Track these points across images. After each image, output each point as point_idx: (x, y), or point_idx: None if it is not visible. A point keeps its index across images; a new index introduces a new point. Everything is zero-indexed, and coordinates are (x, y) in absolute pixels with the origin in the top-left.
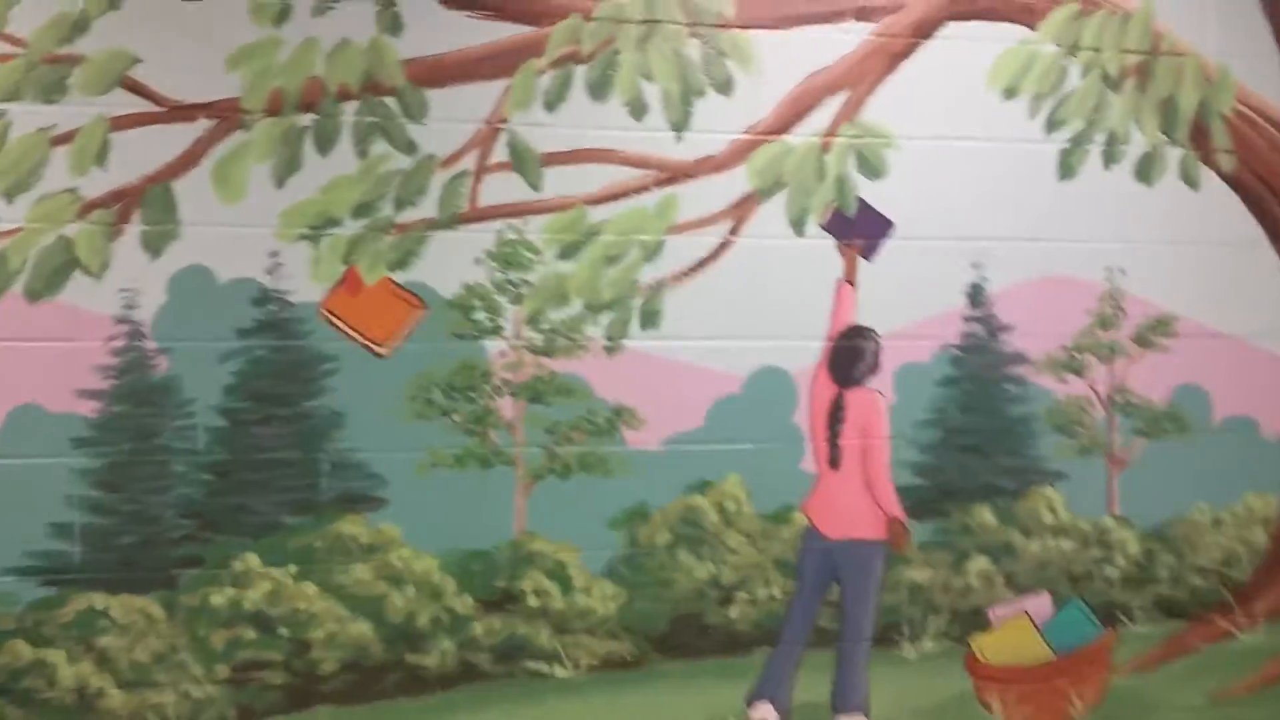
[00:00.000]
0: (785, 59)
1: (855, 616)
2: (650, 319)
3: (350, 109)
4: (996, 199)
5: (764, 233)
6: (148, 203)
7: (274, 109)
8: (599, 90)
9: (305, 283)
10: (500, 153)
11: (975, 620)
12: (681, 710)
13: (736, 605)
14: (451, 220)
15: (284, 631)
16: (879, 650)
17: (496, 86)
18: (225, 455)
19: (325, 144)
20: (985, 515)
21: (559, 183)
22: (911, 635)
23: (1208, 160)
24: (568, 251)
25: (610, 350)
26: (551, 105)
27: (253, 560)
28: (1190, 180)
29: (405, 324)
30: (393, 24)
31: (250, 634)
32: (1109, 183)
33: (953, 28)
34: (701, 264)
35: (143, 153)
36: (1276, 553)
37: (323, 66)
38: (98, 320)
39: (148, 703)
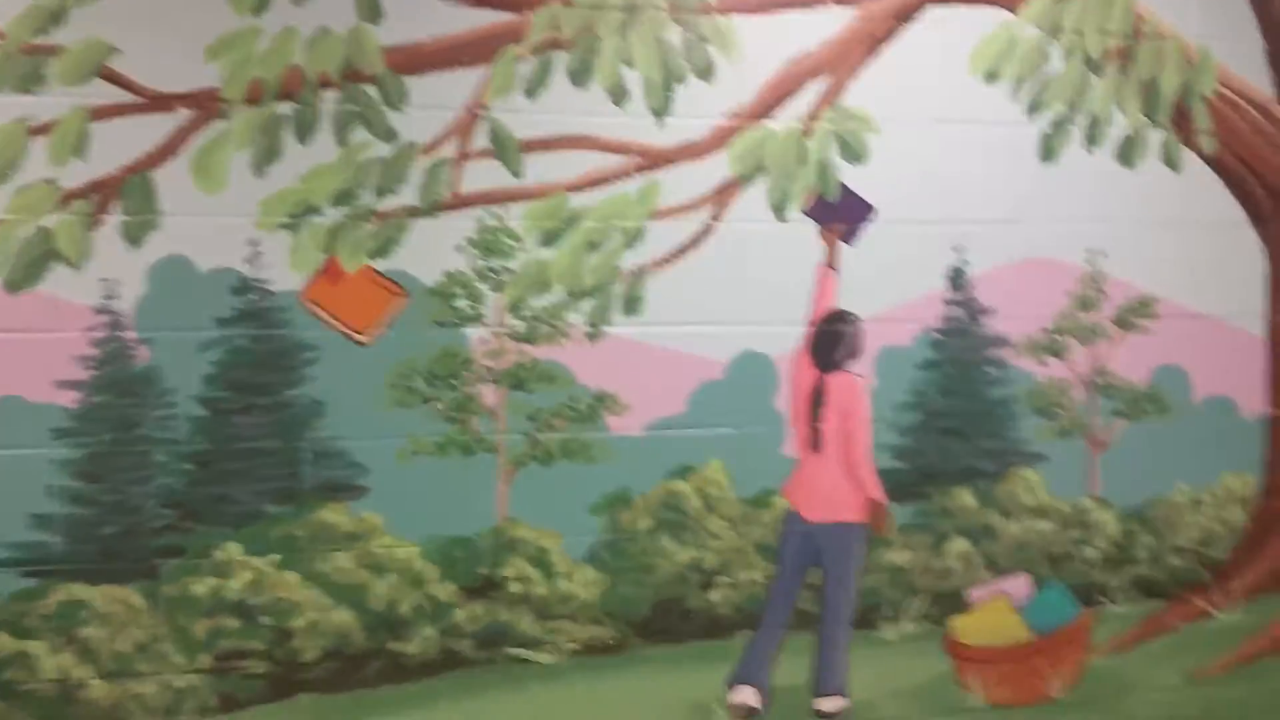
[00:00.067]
0: (766, 44)
1: (836, 599)
2: (632, 305)
3: (330, 97)
4: (978, 182)
5: (746, 218)
6: (127, 193)
7: (253, 98)
8: (580, 76)
9: (285, 271)
10: (481, 140)
11: (955, 602)
12: (663, 694)
13: (718, 589)
14: (432, 208)
15: (266, 620)
16: (859, 632)
17: (477, 73)
18: (206, 445)
19: (305, 132)
20: (965, 497)
21: (540, 169)
22: (891, 617)
23: (1189, 142)
24: (549, 238)
25: (592, 336)
26: (532, 92)
27: (234, 549)
28: (1171, 162)
29: (386, 312)
30: (372, 11)
31: (232, 623)
32: (1090, 165)
33: (933, 11)
34: (683, 250)
35: (122, 143)
36: (1254, 532)
37: (302, 55)
38: (78, 311)
39: (129, 693)
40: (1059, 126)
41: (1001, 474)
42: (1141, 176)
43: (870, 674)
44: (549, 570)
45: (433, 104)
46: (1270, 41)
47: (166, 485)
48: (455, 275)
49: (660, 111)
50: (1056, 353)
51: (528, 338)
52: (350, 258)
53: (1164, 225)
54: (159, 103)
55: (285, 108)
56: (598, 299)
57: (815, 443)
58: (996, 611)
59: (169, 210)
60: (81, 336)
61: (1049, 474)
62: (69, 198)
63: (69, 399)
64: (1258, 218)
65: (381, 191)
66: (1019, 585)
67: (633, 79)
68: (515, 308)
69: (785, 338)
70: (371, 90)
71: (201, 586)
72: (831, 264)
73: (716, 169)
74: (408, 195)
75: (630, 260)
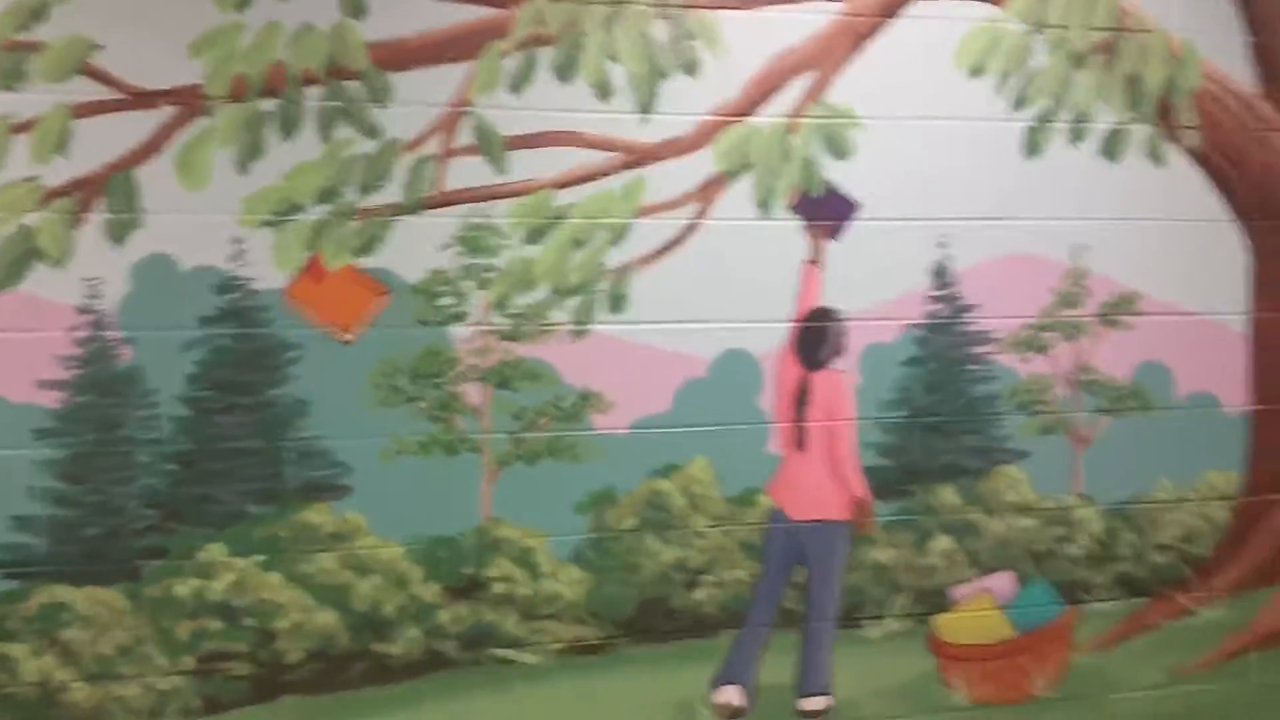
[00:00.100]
0: (752, 39)
1: (820, 598)
2: (617, 303)
3: (314, 94)
4: (962, 178)
5: (730, 215)
6: (110, 191)
7: (237, 94)
8: (565, 72)
9: (269, 269)
10: (465, 136)
11: (938, 600)
12: (648, 694)
13: (703, 588)
14: (416, 205)
15: (249, 622)
16: (843, 631)
17: (461, 69)
18: (189, 445)
19: (289, 129)
20: (949, 495)
21: (524, 166)
22: (875, 615)
23: (1173, 137)
24: (534, 235)
25: (577, 334)
26: (517, 88)
27: (217, 550)
28: (1156, 157)
29: (369, 310)
30: (356, 7)
31: (215, 625)
32: (1074, 160)
33: (919, 6)
34: (668, 247)
35: (105, 140)
36: (1237, 529)
37: (286, 51)
38: (60, 310)
39: (112, 695)
40: (1043, 121)
41: (985, 471)
42: (1125, 172)
43: (854, 672)
44: (534, 570)
45: (417, 100)
46: (1253, 35)
47: (149, 486)
48: (439, 273)
49: (646, 108)
50: (1040, 349)
51: (512, 336)
52: (334, 256)
53: (1147, 221)
54: (142, 99)
55: (269, 104)
56: (583, 296)
57: (800, 441)
58: (980, 609)
59: (152, 208)
60: (64, 336)
61: (1032, 471)
62: (51, 196)
63: (51, 399)
64: (1241, 213)
65: (366, 189)
66: (1002, 583)
67: (618, 75)
68: (500, 305)
69: (770, 335)
70: (355, 86)
71: (185, 588)
72: (816, 260)
73: (702, 166)
74: (392, 192)
75: (615, 257)
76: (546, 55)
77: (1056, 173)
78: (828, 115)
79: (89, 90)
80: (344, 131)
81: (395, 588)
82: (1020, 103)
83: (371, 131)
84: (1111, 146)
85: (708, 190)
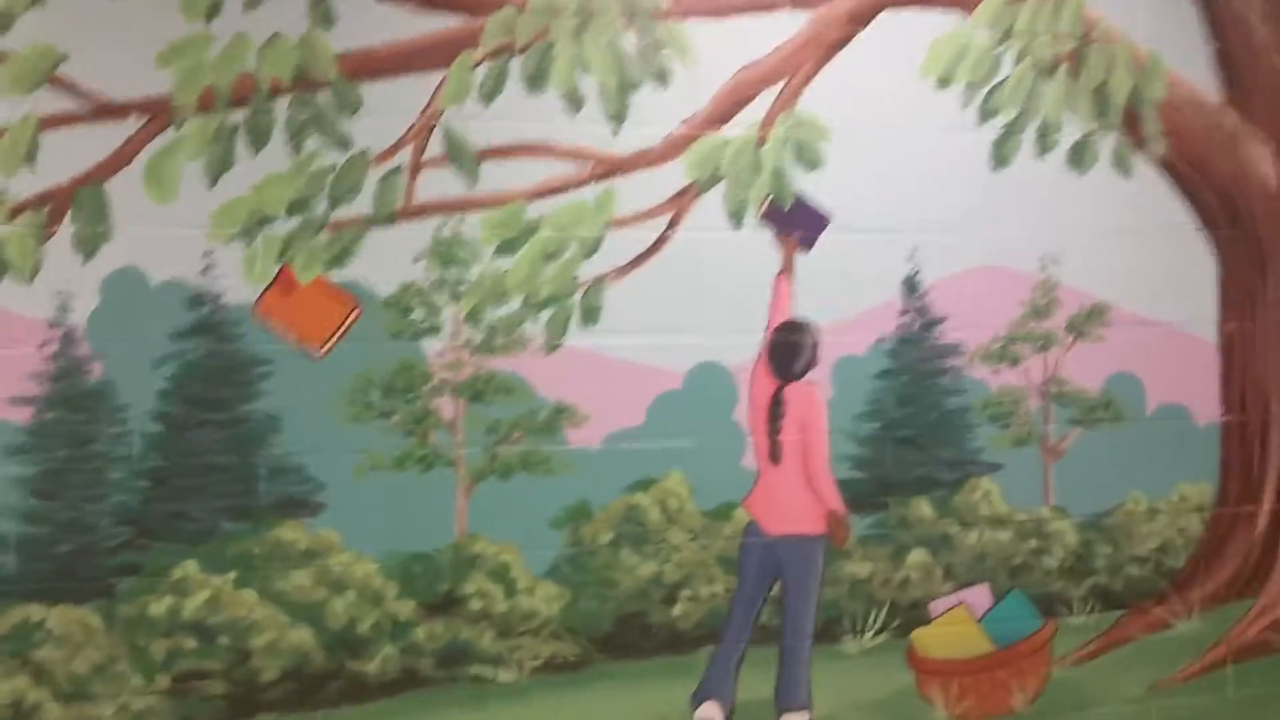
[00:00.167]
0: (722, 49)
1: (797, 612)
2: (590, 315)
3: (283, 104)
4: (931, 189)
5: (702, 226)
6: (79, 204)
7: (205, 106)
8: (535, 83)
9: (239, 283)
10: (436, 147)
11: (915, 613)
12: (626, 711)
13: (680, 604)
14: (387, 217)
15: (224, 640)
16: (821, 646)
17: (431, 79)
18: (161, 461)
19: (258, 141)
20: (923, 508)
21: (496, 177)
22: (853, 630)
23: (1140, 147)
24: (506, 247)
25: (550, 348)
26: (487, 98)
27: (191, 568)
28: (1123, 167)
29: (340, 324)
30: (324, 17)
31: (190, 643)
32: (1042, 172)
33: (888, 15)
34: (640, 258)
35: (72, 153)
36: (1211, 541)
37: (254, 62)
38: (29, 325)
39: (86, 715)
40: (1010, 132)
41: (959, 483)
42: (1093, 182)
43: (832, 687)
44: (510, 586)
45: (387, 110)
46: (1217, 40)
47: (121, 502)
48: (411, 286)
49: (616, 118)
50: (1011, 361)
51: (485, 349)
52: (305, 269)
53: (1116, 231)
54: (110, 111)
55: (237, 115)
56: (555, 309)
57: (775, 454)
58: (957, 623)
59: (121, 221)
60: (34, 352)
61: (1005, 483)
62: (19, 209)
63: (21, 415)
64: (1209, 222)
65: (336, 201)
66: (979, 596)
67: (589, 85)
68: (473, 318)
69: (743, 348)
70: (324, 97)
71: (159, 606)
72: (788, 272)
73: (673, 177)
74: (362, 204)
75: (587, 270)
76: (517, 66)
77: (1025, 184)
78: (797, 126)
79: (56, 102)
80: (313, 143)
81: (370, 605)
82: (988, 114)
83: (341, 142)
84: (1079, 157)
85: (679, 201)
